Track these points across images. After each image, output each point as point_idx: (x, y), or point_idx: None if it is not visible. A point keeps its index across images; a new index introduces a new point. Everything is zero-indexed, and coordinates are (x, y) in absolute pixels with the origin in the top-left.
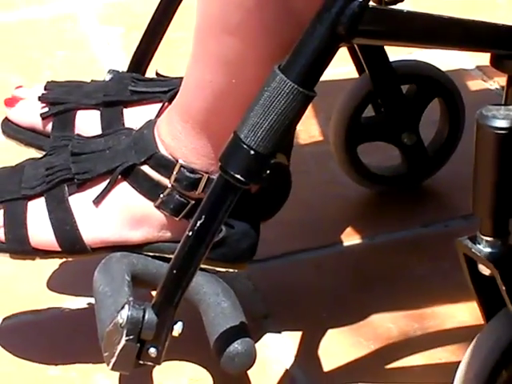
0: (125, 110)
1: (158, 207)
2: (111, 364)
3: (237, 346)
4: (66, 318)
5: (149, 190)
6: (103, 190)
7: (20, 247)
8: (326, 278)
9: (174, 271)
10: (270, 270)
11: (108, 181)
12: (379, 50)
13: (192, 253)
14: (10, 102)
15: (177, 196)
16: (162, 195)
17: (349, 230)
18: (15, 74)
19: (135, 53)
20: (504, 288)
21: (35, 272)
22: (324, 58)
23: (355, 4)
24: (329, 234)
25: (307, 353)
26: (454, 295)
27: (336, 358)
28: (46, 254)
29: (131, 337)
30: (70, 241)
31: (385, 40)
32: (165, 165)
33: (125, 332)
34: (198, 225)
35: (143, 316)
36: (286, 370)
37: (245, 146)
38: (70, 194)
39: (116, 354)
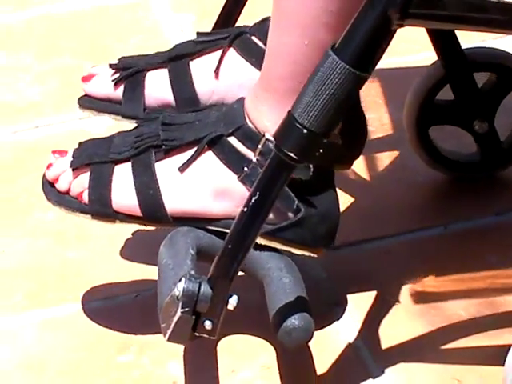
0: (191, 62)
1: (241, 181)
2: (167, 335)
3: (294, 320)
4: (140, 303)
5: (234, 161)
6: (189, 159)
7: (102, 209)
8: (396, 265)
9: (229, 246)
10: (341, 257)
11: (195, 149)
12: (450, 35)
13: (247, 228)
14: (86, 78)
15: (260, 170)
16: (246, 168)
17: (420, 217)
18: (88, 60)
19: (220, 13)
20: None
21: (108, 256)
22: (376, 41)
23: None
24: (400, 221)
25: (376, 336)
26: None
27: (403, 339)
28: (126, 217)
29: (186, 309)
30: (151, 207)
31: (436, 23)
32: (251, 137)
33: (180, 304)
34: (252, 201)
35: (199, 289)
36: (358, 356)
37: (298, 125)
38: (156, 161)
39: (172, 325)
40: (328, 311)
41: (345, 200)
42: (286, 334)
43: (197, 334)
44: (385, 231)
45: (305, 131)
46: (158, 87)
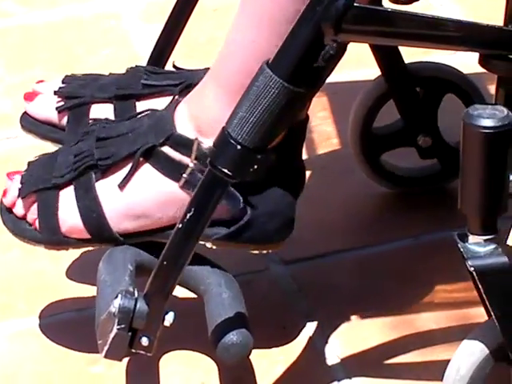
0: (137, 103)
1: (182, 187)
2: (104, 352)
3: (232, 336)
4: None
5: (171, 170)
6: (127, 174)
7: (52, 236)
8: (368, 277)
9: (165, 262)
10: (312, 269)
11: (131, 164)
12: (392, 50)
13: (182, 245)
14: (30, 97)
15: (199, 174)
16: (184, 175)
17: (391, 229)
18: (59, 72)
19: (155, 46)
20: (486, 298)
21: (78, 269)
22: (310, 55)
23: (340, 2)
24: (371, 233)
25: (349, 351)
26: None
27: (375, 351)
28: (77, 242)
29: (123, 326)
30: (97, 229)
31: (369, 38)
32: (184, 144)
33: (116, 321)
34: (187, 217)
35: (135, 305)
36: (329, 368)
37: (232, 141)
38: (97, 180)
39: (109, 342)
40: (299, 324)
41: (314, 213)
42: (225, 349)
43: (134, 351)
44: (355, 243)
45: (238, 147)
46: None
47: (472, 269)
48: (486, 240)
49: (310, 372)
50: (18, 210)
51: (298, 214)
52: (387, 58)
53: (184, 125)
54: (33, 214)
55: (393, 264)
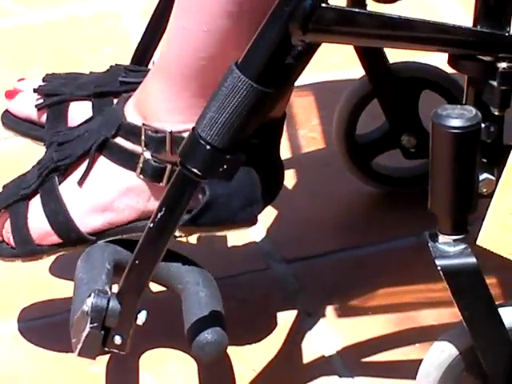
0: (115, 101)
1: (139, 176)
2: (77, 350)
3: (207, 335)
4: None
5: (126, 160)
6: (85, 170)
7: (26, 247)
8: (369, 276)
9: (137, 261)
10: (314, 268)
11: (88, 160)
12: (376, 50)
13: (154, 243)
14: (10, 94)
15: (151, 161)
16: (139, 163)
17: (392, 228)
18: (60, 71)
19: (138, 44)
20: (453, 299)
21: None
22: (278, 56)
23: (307, 3)
24: (372, 231)
25: (350, 349)
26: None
27: (377, 350)
28: (50, 248)
29: (95, 324)
30: (66, 231)
31: (337, 38)
32: (133, 132)
33: (89, 319)
34: (158, 216)
35: (107, 304)
36: (330, 365)
37: (201, 141)
38: (59, 183)
39: (82, 340)
40: (300, 322)
41: (316, 210)
42: (199, 348)
43: (107, 349)
44: (357, 241)
45: (208, 147)
46: (80, 120)
47: (440, 268)
48: (455, 240)
49: (311, 369)
50: None
51: (300, 211)
52: (370, 57)
53: (132, 114)
54: (7, 232)
55: (394, 262)
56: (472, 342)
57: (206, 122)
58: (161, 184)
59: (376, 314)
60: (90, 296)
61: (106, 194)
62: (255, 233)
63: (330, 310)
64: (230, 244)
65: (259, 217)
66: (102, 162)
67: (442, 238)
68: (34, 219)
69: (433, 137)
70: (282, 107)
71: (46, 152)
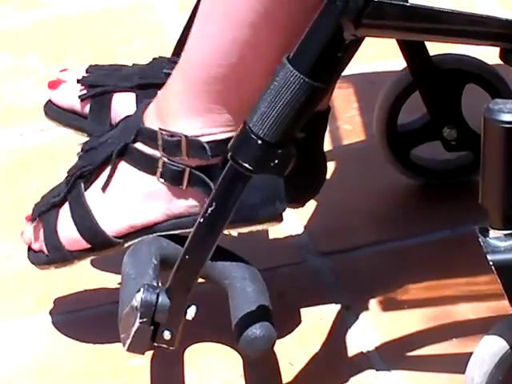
0: (159, 92)
1: (160, 180)
2: (127, 345)
3: (255, 330)
4: None
5: (146, 164)
6: (107, 176)
7: (58, 253)
8: (406, 268)
9: (187, 257)
10: (351, 261)
11: (110, 166)
12: (417, 43)
13: (204, 239)
14: (54, 85)
15: (169, 165)
16: (158, 167)
17: (428, 220)
18: (93, 62)
19: (180, 37)
20: (505, 293)
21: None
22: (330, 51)
23: None
24: (409, 224)
25: (387, 343)
26: None
27: (415, 344)
28: (81, 253)
29: (145, 319)
30: (92, 235)
31: (389, 33)
32: (150, 136)
33: (139, 314)
34: (209, 211)
35: (156, 299)
36: (367, 359)
37: (253, 136)
38: (85, 190)
39: (131, 335)
40: (337, 316)
41: (353, 203)
42: (247, 343)
43: (156, 344)
44: (393, 234)
45: (259, 142)
46: (124, 111)
47: (492, 263)
48: (506, 235)
49: (348, 363)
50: (35, 244)
51: (337, 204)
52: (412, 50)
53: (151, 118)
54: (41, 242)
55: (431, 255)
56: None
57: (258, 117)
58: (181, 187)
59: (413, 308)
60: (139, 291)
61: (128, 198)
62: (292, 226)
63: (367, 303)
64: (267, 238)
65: (297, 210)
66: (124, 167)
67: (492, 233)
68: (63, 226)
69: (484, 131)
70: (327, 100)
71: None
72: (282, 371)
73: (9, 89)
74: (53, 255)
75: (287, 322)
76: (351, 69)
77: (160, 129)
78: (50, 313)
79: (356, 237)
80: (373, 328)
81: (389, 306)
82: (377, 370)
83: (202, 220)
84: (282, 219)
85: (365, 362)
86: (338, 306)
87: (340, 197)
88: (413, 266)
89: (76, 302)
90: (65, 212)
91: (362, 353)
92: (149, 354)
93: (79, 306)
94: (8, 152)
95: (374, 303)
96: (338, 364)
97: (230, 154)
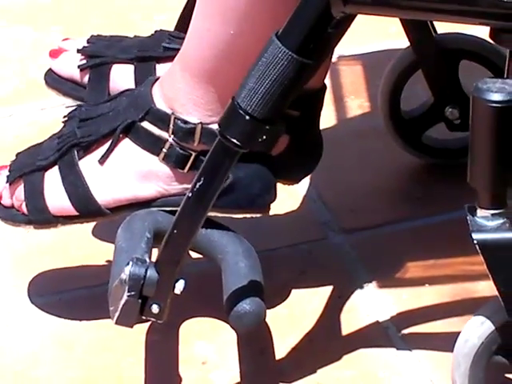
0: (157, 66)
1: (162, 161)
2: (115, 318)
3: (245, 305)
4: None
5: (151, 144)
6: (107, 150)
7: (41, 216)
8: (426, 246)
9: (175, 231)
10: (372, 238)
11: (111, 140)
12: (421, 21)
13: (192, 213)
14: (55, 54)
15: (177, 148)
16: (163, 149)
17: (447, 200)
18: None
19: (183, 11)
20: (489, 273)
21: None
22: (319, 27)
23: None
24: (429, 202)
25: (407, 320)
26: None
27: (432, 320)
28: (65, 219)
29: (133, 293)
30: (83, 203)
31: (378, 10)
32: (162, 118)
33: (127, 288)
34: (197, 186)
35: (145, 273)
36: (388, 338)
37: (241, 111)
38: (80, 159)
39: (119, 308)
40: (357, 293)
41: (373, 182)
42: (237, 318)
43: (144, 318)
44: (414, 213)
45: (247, 117)
46: (122, 83)
47: (475, 242)
48: (493, 214)
49: (368, 340)
50: (5, 199)
51: (357, 183)
52: (414, 28)
53: (159, 102)
54: (19, 200)
55: (452, 233)
56: (507, 318)
57: (246, 93)
58: (183, 171)
59: (432, 285)
60: (128, 264)
61: (125, 174)
62: (313, 203)
63: (386, 281)
64: (288, 214)
65: (318, 188)
66: (126, 143)
67: (480, 212)
68: (51, 190)
69: (473, 110)
70: (321, 78)
71: (64, 125)
72: (302, 347)
73: (31, 63)
74: (34, 217)
75: (306, 298)
76: (375, 45)
77: (173, 114)
78: (66, 289)
79: (377, 215)
80: (392, 305)
81: (409, 283)
82: (397, 349)
83: (190, 195)
84: (269, 209)
85: (385, 339)
86: (358, 283)
87: (361, 175)
88: (434, 243)
89: (95, 278)
90: (53, 177)
91: (381, 330)
92: (165, 330)
93: (95, 282)
94: (30, 126)
95: (394, 281)
96: (358, 341)
97: (218, 129)
